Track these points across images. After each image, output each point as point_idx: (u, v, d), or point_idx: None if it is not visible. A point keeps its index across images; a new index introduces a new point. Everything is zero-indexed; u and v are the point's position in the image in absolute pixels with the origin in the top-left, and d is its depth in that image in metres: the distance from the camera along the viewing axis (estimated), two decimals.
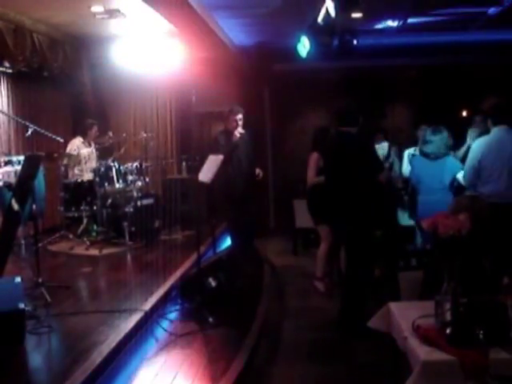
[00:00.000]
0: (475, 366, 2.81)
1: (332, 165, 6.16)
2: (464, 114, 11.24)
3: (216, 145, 7.82)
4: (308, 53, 7.97)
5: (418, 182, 6.68)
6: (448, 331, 3.00)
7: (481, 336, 2.91)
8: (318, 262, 7.17)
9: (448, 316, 3.07)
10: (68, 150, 8.84)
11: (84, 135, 9.16)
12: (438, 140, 6.47)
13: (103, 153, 9.19)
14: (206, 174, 6.47)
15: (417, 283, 3.91)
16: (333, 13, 6.24)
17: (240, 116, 7.94)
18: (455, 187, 6.48)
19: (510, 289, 3.26)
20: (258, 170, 8.26)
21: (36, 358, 4.60)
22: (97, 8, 7.60)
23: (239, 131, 7.88)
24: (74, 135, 9.36)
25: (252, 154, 8.20)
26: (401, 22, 9.14)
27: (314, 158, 7.09)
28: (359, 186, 5.77)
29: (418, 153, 7.42)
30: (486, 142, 6.08)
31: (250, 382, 4.74)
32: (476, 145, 6.19)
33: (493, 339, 2.91)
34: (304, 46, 7.95)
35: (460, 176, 6.37)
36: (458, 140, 7.38)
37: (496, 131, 6.04)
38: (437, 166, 6.47)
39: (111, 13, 7.80)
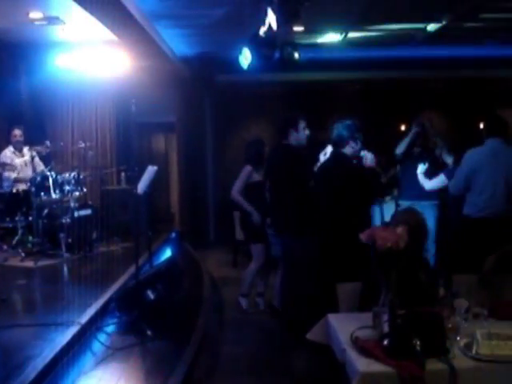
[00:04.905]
0: (412, 377, 2.83)
1: (275, 179, 6.20)
2: (402, 128, 11.48)
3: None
4: (249, 65, 7.98)
5: None
6: (385, 343, 3.02)
7: (418, 347, 2.94)
8: (245, 279, 6.98)
9: (385, 327, 3.10)
10: (1, 160, 8.60)
11: (11, 142, 8.93)
12: None
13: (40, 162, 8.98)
14: (143, 184, 6.40)
15: (355, 295, 3.93)
16: (274, 25, 6.28)
17: None
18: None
19: (445, 300, 3.31)
20: None
21: None
22: (35, 14, 7.45)
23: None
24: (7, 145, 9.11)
25: None
26: (342, 37, 9.29)
27: (246, 171, 6.89)
28: (299, 197, 5.84)
29: None
30: (481, 154, 6.05)
31: None
32: (470, 155, 6.12)
33: (429, 350, 2.94)
34: (245, 58, 7.95)
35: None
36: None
37: (490, 143, 6.01)
38: None
39: (50, 20, 7.66)
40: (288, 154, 6.12)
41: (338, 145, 5.64)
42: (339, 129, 5.67)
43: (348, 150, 5.60)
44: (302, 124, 6.13)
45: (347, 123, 5.70)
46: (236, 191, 6.87)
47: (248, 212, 6.80)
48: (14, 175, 8.67)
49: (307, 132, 6.17)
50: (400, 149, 7.34)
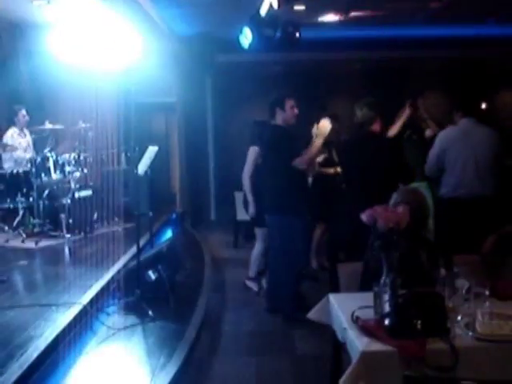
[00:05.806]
0: (413, 357, 2.84)
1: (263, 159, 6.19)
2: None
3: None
4: (250, 44, 7.94)
5: None
6: (386, 322, 3.02)
7: (418, 327, 2.94)
8: (252, 263, 7.03)
9: (386, 307, 3.10)
10: (4, 141, 8.57)
11: (15, 123, 8.88)
12: None
13: (40, 143, 8.95)
14: (144, 165, 6.40)
15: (356, 275, 3.93)
16: (275, 4, 6.24)
17: None
18: None
19: (446, 280, 3.31)
20: None
21: None
22: None
23: None
24: (9, 125, 9.07)
25: None
26: (343, 16, 9.22)
27: (253, 153, 6.81)
28: (288, 176, 5.80)
29: None
30: (452, 133, 6.08)
31: (191, 375, 4.71)
32: (442, 135, 6.16)
33: (430, 330, 2.95)
34: (246, 38, 7.91)
35: None
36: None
37: (465, 123, 6.04)
38: None
39: None
40: (273, 134, 6.03)
41: (366, 123, 5.63)
42: (364, 109, 5.66)
43: (376, 127, 5.62)
44: (289, 103, 5.95)
45: (372, 101, 5.69)
46: (247, 175, 6.80)
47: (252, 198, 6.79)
48: (18, 153, 8.63)
49: (296, 111, 5.97)
50: (392, 131, 7.27)
